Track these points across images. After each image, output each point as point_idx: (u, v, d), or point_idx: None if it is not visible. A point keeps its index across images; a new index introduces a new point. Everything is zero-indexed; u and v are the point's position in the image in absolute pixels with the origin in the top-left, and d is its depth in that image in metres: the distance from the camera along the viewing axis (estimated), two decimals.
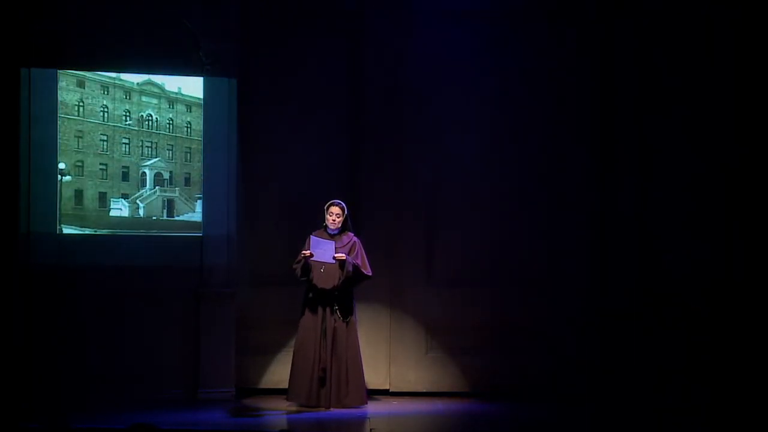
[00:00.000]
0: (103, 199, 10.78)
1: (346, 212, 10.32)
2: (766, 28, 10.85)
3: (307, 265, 10.22)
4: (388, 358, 11.08)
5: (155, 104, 10.95)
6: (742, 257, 10.91)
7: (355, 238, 10.39)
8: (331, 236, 10.31)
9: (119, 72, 10.86)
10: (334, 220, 10.26)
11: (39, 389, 10.32)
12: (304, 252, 10.19)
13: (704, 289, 10.91)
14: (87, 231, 10.72)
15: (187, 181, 10.97)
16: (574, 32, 11.17)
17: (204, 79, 10.82)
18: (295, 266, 10.28)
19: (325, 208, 10.31)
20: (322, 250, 10.11)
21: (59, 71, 10.64)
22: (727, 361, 10.73)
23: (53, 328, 10.45)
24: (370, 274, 10.37)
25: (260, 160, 11.03)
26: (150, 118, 10.93)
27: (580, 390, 10.87)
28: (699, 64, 11.05)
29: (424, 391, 11.04)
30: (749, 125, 10.94)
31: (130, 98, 10.88)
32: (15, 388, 10.10)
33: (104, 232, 10.78)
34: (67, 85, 10.63)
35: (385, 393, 10.99)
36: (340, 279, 10.21)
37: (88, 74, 10.72)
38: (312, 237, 10.21)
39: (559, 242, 11.18)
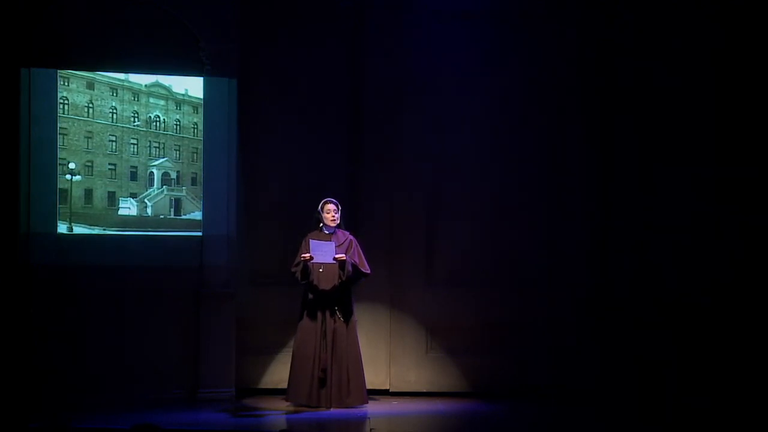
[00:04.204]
0: (112, 198, 10.70)
1: (340, 208, 10.16)
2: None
3: (307, 267, 10.00)
4: (388, 358, 10.89)
5: (163, 106, 10.87)
6: (742, 258, 10.67)
7: (350, 237, 10.22)
8: (328, 235, 10.12)
9: (119, 72, 10.70)
10: (333, 217, 10.11)
11: (39, 389, 10.09)
12: (303, 255, 9.98)
13: (704, 290, 10.67)
14: (96, 229, 10.59)
15: (194, 181, 10.85)
16: (574, 32, 11.01)
17: (204, 79, 10.67)
18: (294, 269, 10.09)
19: (320, 207, 10.16)
20: (323, 252, 9.93)
21: (63, 73, 10.44)
22: (727, 361, 10.49)
23: (53, 327, 10.22)
24: (369, 271, 10.20)
25: (260, 160, 10.87)
26: (158, 119, 10.84)
27: (580, 390, 10.70)
28: (700, 64, 10.83)
29: (424, 391, 10.86)
30: (747, 125, 10.74)
31: (138, 100, 10.80)
32: (15, 388, 9.90)
33: (112, 230, 10.65)
34: (77, 87, 10.53)
35: (385, 393, 10.79)
36: (340, 279, 10.02)
37: (97, 76, 10.61)
38: (310, 240, 10.00)
39: (559, 242, 11.00)
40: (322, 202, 10.13)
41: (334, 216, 10.07)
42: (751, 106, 10.69)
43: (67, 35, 10.30)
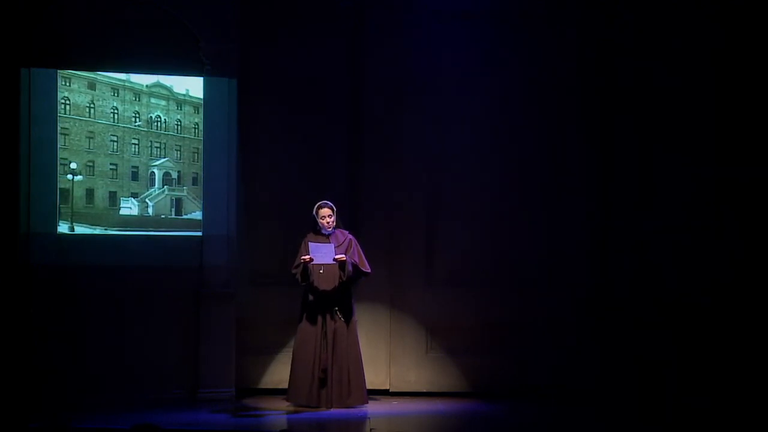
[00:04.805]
0: (114, 198, 10.65)
1: (335, 210, 10.05)
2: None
3: (307, 269, 9.93)
4: (388, 358, 10.80)
5: (164, 106, 10.81)
6: (742, 258, 10.60)
7: (349, 236, 10.13)
8: (326, 236, 10.04)
9: (119, 72, 10.63)
10: (328, 222, 10.00)
11: (39, 389, 10.01)
12: (303, 257, 9.90)
13: (704, 290, 10.60)
14: (97, 229, 10.54)
15: (195, 181, 10.78)
16: (574, 32, 10.93)
17: (204, 79, 10.58)
18: (294, 271, 10.01)
19: (315, 212, 10.05)
20: (322, 253, 9.85)
21: (65, 73, 10.38)
22: (727, 361, 10.43)
23: (53, 327, 10.14)
24: (369, 270, 10.11)
25: (260, 160, 10.77)
26: (159, 119, 10.78)
27: (580, 390, 10.62)
28: (700, 64, 10.76)
29: (424, 391, 10.77)
30: (748, 125, 10.68)
31: (139, 100, 10.74)
32: (15, 388, 9.83)
33: (113, 230, 10.59)
34: (79, 88, 10.48)
35: (385, 393, 10.70)
36: (340, 279, 9.93)
37: (98, 77, 10.55)
38: (309, 243, 9.91)
39: (558, 242, 10.91)
40: (317, 206, 10.01)
41: (329, 221, 9.96)
42: (752, 106, 10.60)
43: (67, 35, 10.21)
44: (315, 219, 10.02)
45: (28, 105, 10.13)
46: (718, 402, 10.09)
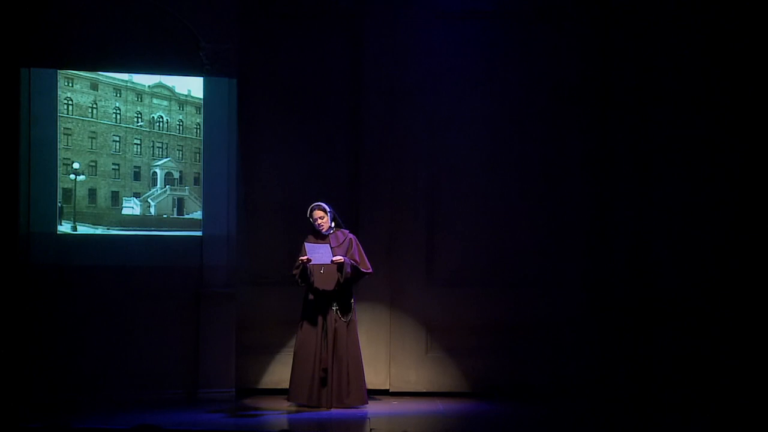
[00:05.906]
0: (116, 198, 10.62)
1: (329, 211, 9.96)
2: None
3: (306, 269, 9.85)
4: (388, 358, 10.76)
5: (166, 106, 10.77)
6: (742, 258, 10.57)
7: (350, 235, 10.04)
8: (325, 237, 9.94)
9: (119, 72, 10.58)
10: (321, 224, 9.90)
11: (39, 389, 9.99)
12: (301, 258, 9.82)
13: (704, 290, 10.58)
14: (100, 228, 10.51)
15: (197, 181, 10.73)
16: (574, 32, 10.87)
17: (204, 79, 10.54)
18: (294, 272, 9.93)
19: (309, 214, 9.95)
20: (320, 254, 9.76)
21: (67, 74, 10.37)
22: (727, 361, 10.45)
23: (53, 328, 10.11)
24: (371, 270, 10.02)
25: (260, 160, 10.76)
26: (161, 119, 10.74)
27: (579, 389, 10.57)
28: (700, 63, 10.71)
29: (424, 391, 10.72)
30: (747, 124, 10.67)
31: (141, 100, 10.70)
32: (15, 388, 9.83)
33: (115, 230, 10.56)
34: (81, 88, 10.45)
35: (385, 393, 10.66)
36: (339, 280, 9.84)
37: (101, 77, 10.53)
38: (306, 244, 9.83)
39: (558, 242, 10.84)
40: (310, 209, 9.91)
41: (320, 223, 9.87)
42: (752, 106, 10.57)
43: (67, 35, 10.20)
44: (310, 221, 9.96)
45: (28, 105, 10.13)
46: (718, 402, 10.08)
